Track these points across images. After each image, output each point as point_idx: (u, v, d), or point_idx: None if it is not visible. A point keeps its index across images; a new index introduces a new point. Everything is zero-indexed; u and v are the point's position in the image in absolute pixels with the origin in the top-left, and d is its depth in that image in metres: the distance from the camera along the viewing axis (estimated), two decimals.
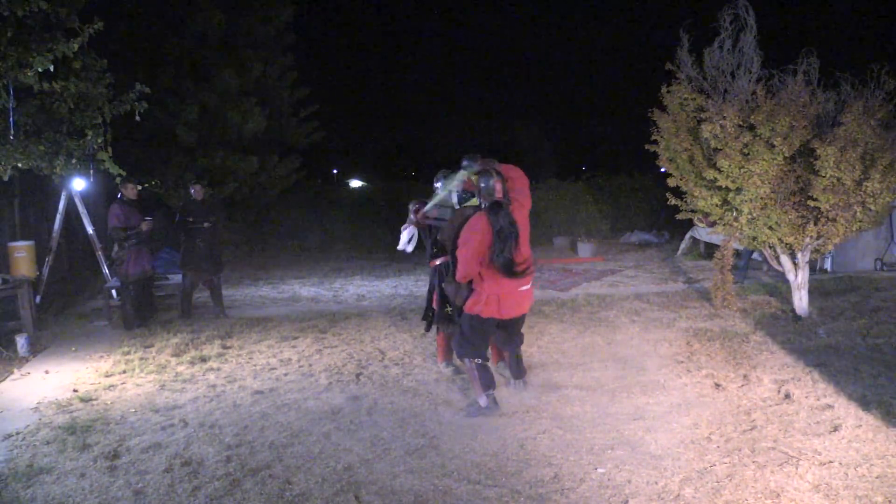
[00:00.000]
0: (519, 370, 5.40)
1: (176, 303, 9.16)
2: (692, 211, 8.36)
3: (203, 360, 6.49)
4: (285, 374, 5.98)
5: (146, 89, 8.14)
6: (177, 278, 9.47)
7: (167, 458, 4.11)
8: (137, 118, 8.29)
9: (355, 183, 22.75)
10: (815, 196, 7.01)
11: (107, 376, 6.00)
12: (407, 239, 5.99)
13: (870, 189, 6.95)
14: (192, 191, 8.70)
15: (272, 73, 15.83)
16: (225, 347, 7.01)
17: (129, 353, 6.81)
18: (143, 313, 8.15)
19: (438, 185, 5.68)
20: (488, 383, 4.85)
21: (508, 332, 5.18)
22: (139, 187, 8.66)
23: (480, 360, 4.87)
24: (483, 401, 4.82)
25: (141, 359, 6.56)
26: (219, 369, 6.19)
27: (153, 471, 3.94)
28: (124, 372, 6.12)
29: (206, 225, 8.58)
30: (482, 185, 4.77)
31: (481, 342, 4.90)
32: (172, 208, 12.56)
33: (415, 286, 11.66)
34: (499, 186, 4.79)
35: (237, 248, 15.47)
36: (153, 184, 13.78)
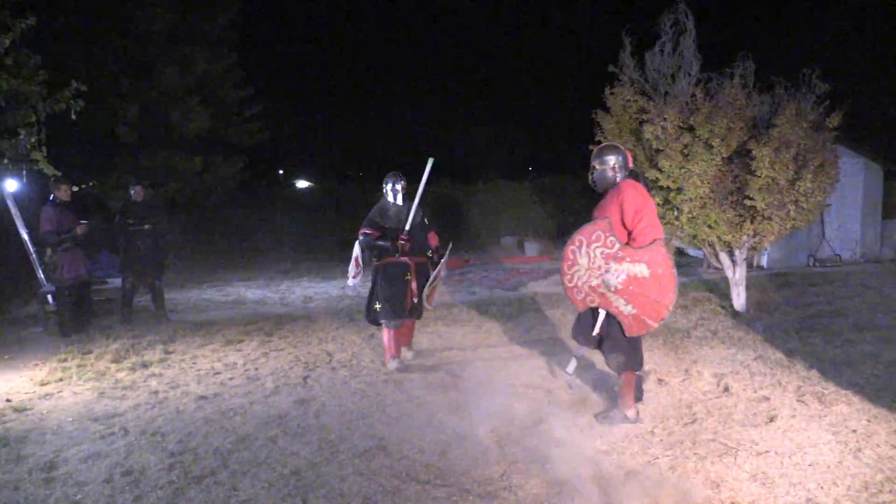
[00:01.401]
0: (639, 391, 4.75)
1: (116, 307, 8.90)
2: None
3: (144, 365, 6.33)
4: (230, 379, 5.87)
5: (83, 87, 7.89)
6: (116, 282, 9.21)
7: (107, 468, 3.99)
8: (74, 117, 8.03)
9: (302, 183, 22.47)
10: (751, 195, 7.25)
11: (42, 385, 5.78)
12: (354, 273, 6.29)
13: (802, 188, 7.22)
14: (133, 192, 8.47)
15: (216, 72, 15.53)
16: (167, 352, 6.85)
17: (66, 360, 6.58)
18: (80, 319, 7.89)
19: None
20: (640, 396, 4.66)
21: None
22: (74, 188, 8.37)
23: (640, 371, 4.59)
24: (631, 413, 4.51)
25: (79, 366, 6.34)
26: (161, 375, 6.04)
27: (92, 481, 3.82)
28: (61, 380, 5.91)
29: (147, 227, 8.37)
30: (612, 157, 4.55)
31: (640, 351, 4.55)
32: (112, 210, 12.20)
33: (363, 288, 11.59)
34: (630, 157, 4.63)
35: (180, 250, 15.12)
36: (91, 185, 13.35)
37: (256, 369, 6.18)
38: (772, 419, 4.50)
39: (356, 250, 6.25)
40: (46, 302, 8.21)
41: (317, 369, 6.12)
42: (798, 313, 7.93)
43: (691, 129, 7.37)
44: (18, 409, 5.10)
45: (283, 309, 9.47)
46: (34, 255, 8.95)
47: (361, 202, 18.62)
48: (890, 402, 4.71)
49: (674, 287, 4.18)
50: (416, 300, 6.13)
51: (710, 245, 8.17)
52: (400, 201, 6.24)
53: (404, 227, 6.05)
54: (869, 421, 4.39)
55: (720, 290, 9.57)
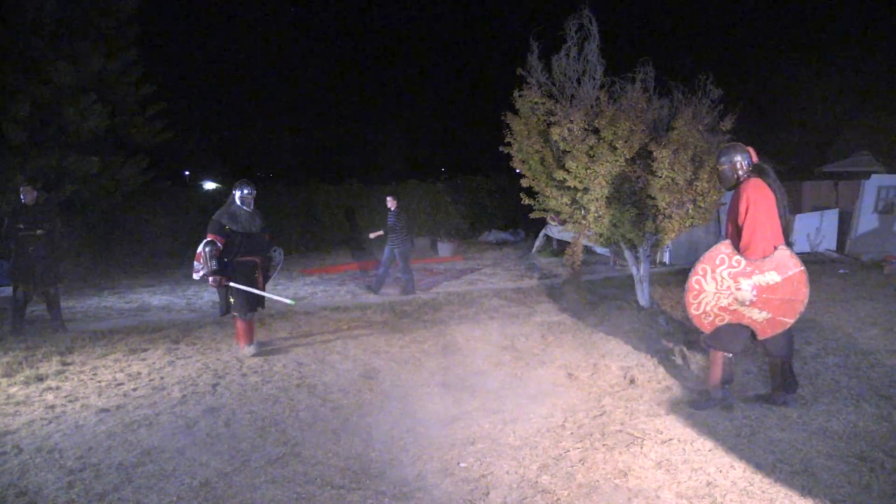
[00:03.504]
0: (793, 381, 4.74)
1: (6, 318, 8.34)
2: (544, 210, 8.74)
3: (39, 379, 5.96)
4: (134, 390, 5.62)
5: None
6: (7, 290, 8.64)
7: None
8: None
9: (209, 185, 21.76)
10: (652, 195, 7.56)
11: None
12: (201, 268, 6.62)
13: (699, 188, 7.59)
14: (23, 194, 7.95)
15: (114, 68, 14.77)
16: (65, 364, 6.47)
17: None
18: None
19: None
20: (729, 378, 4.71)
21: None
22: None
23: (732, 356, 4.70)
24: (718, 393, 4.69)
25: None
26: (58, 388, 5.70)
27: None
28: None
29: (39, 232, 7.88)
30: (738, 156, 4.67)
31: (737, 337, 4.65)
32: (0, 214, 11.43)
33: (273, 291, 11.38)
34: (753, 153, 4.71)
35: (78, 256, 14.31)
36: None
37: (162, 378, 5.94)
38: (674, 408, 4.72)
39: (201, 248, 6.56)
40: None
41: (227, 376, 5.95)
42: None
43: (596, 131, 7.62)
44: None
45: (191, 315, 9.15)
46: None
47: (272, 203, 18.23)
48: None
49: (806, 282, 4.34)
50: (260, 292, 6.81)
51: (615, 243, 8.46)
52: (250, 208, 6.80)
53: (253, 231, 6.74)
54: (762, 406, 4.68)
55: (626, 286, 9.94)
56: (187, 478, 3.82)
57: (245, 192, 6.79)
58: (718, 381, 4.68)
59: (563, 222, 8.66)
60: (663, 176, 7.44)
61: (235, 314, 6.68)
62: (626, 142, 7.47)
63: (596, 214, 7.94)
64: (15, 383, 5.84)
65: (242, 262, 6.69)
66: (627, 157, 7.59)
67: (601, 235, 8.32)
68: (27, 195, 7.94)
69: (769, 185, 4.45)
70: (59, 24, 13.53)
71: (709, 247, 13.57)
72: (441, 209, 20.50)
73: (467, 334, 7.36)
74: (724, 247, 4.49)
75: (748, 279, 4.39)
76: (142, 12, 15.50)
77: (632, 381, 5.42)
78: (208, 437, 4.47)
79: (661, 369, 5.71)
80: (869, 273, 11.14)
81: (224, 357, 6.64)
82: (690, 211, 7.79)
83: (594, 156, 7.60)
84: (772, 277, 4.34)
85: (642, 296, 8.50)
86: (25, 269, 7.85)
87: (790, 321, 4.43)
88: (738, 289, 4.43)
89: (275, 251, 7.21)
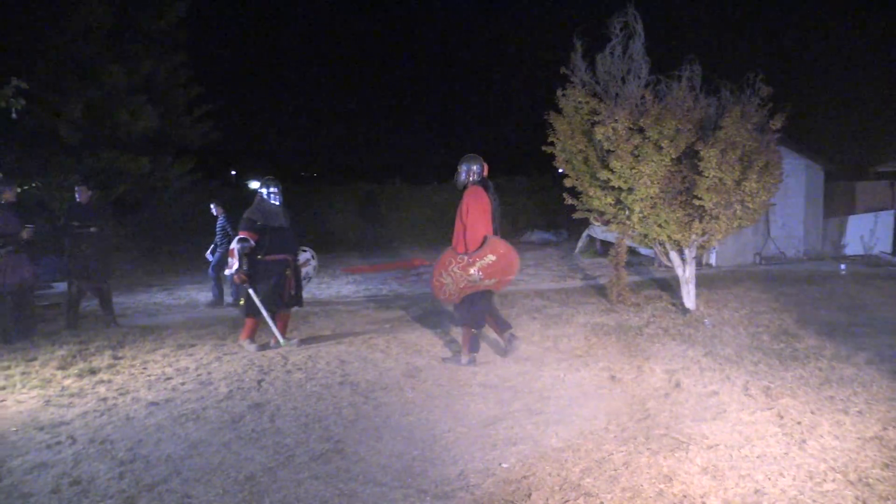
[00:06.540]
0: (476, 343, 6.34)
1: (61, 313, 8.62)
2: (588, 210, 8.66)
3: (92, 372, 6.14)
4: (182, 384, 5.75)
5: (24, 85, 7.61)
6: (62, 286, 8.93)
7: (54, 478, 3.86)
8: (14, 116, 7.75)
9: (255, 184, 22.15)
10: (699, 195, 7.42)
11: None
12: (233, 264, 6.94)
13: (748, 188, 7.42)
14: (77, 193, 8.22)
15: (164, 70, 15.17)
16: (116, 358, 6.67)
17: (8, 367, 6.34)
18: (23, 325, 7.60)
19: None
20: (476, 348, 6.18)
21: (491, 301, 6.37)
22: (18, 190, 8.08)
23: (477, 330, 6.17)
24: (465, 360, 6.12)
25: (23, 373, 6.12)
26: (110, 381, 5.87)
27: (39, 492, 3.69)
28: (4, 388, 5.70)
29: (92, 229, 8.12)
30: (476, 166, 6.05)
31: (480, 317, 6.13)
32: (56, 212, 11.81)
33: (316, 288, 11.51)
34: (486, 167, 6.11)
35: (129, 253, 14.74)
36: (34, 186, 12.90)
37: (209, 374, 6.06)
38: (721, 413, 4.62)
39: (235, 246, 6.85)
40: None
41: (271, 373, 6.04)
42: (745, 310, 8.16)
43: (641, 130, 7.51)
44: None
45: (237, 311, 9.32)
46: None
47: (315, 203, 18.46)
48: (832, 395, 4.90)
49: (511, 250, 5.97)
50: (293, 292, 7.09)
51: (660, 244, 8.33)
52: (278, 202, 7.05)
53: (283, 225, 7.00)
54: (813, 413, 4.54)
55: (671, 288, 9.78)
56: (233, 471, 3.89)
57: (272, 188, 7.05)
58: (467, 351, 6.11)
59: (606, 223, 8.57)
60: (710, 176, 7.30)
61: (249, 312, 6.91)
62: (671, 141, 7.35)
63: (641, 215, 7.84)
64: (69, 376, 6.04)
65: (273, 262, 6.85)
66: (673, 156, 7.46)
67: (646, 236, 8.21)
68: (81, 194, 8.20)
69: (486, 194, 5.95)
70: (111, 29, 13.93)
71: (756, 247, 13.36)
72: None
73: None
74: (449, 253, 6.00)
75: (473, 267, 5.88)
76: (190, 17, 15.84)
77: (677, 385, 5.32)
78: (253, 431, 4.54)
79: (708, 373, 5.59)
80: None
81: (269, 353, 6.75)
82: (738, 212, 7.63)
83: (639, 155, 7.50)
84: (489, 259, 5.86)
85: (688, 298, 8.35)
86: (80, 266, 8.11)
87: (512, 276, 6.17)
88: (469, 274, 5.90)
89: (304, 251, 7.37)
